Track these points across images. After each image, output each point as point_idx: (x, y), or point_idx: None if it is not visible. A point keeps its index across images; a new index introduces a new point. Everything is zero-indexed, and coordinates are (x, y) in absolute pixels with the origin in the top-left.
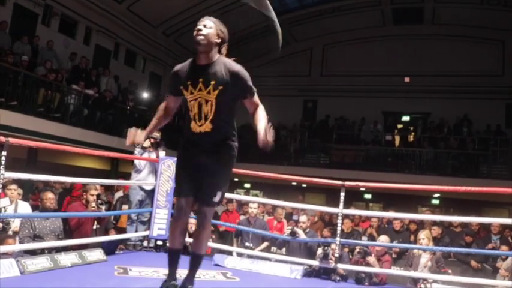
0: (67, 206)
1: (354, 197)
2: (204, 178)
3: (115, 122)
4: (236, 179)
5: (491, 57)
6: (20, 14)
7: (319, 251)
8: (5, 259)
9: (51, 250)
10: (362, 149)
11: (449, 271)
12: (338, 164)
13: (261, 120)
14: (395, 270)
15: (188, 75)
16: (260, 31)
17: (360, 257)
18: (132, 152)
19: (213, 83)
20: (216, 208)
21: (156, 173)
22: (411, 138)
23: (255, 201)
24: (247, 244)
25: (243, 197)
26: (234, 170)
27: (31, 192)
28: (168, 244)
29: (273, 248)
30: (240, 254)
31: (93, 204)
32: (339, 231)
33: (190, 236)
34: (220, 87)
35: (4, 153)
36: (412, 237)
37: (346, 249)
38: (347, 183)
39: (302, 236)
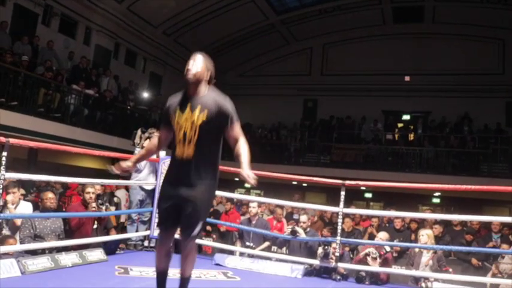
0: (65, 206)
1: (355, 196)
2: (184, 211)
3: (115, 122)
4: (236, 179)
5: (491, 56)
6: (20, 14)
7: (320, 250)
8: (5, 259)
9: (52, 250)
10: (362, 148)
11: (451, 270)
12: (338, 163)
13: (244, 154)
14: (397, 270)
15: (178, 103)
16: (259, 30)
17: (372, 258)
18: (132, 152)
19: (198, 110)
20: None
21: (156, 173)
22: (411, 137)
23: (255, 201)
24: (247, 244)
25: (242, 197)
26: (235, 169)
27: (32, 191)
28: (155, 265)
29: (274, 248)
30: (240, 254)
31: (94, 204)
32: (339, 230)
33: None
34: (205, 114)
35: (4, 153)
36: (413, 236)
37: (347, 248)
38: (347, 182)
39: (302, 235)
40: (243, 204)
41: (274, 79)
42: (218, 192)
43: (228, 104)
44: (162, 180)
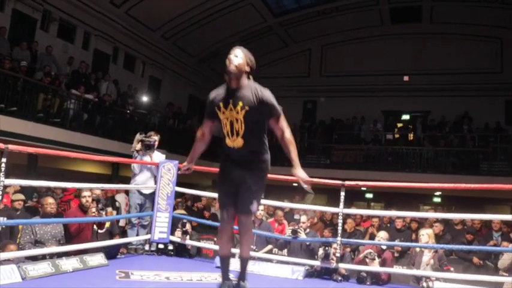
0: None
1: (355, 197)
2: (240, 190)
3: (115, 126)
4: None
5: (489, 54)
6: (19, 20)
7: (320, 251)
8: (6, 265)
9: (52, 255)
10: (362, 149)
11: (452, 269)
12: (338, 164)
13: (293, 152)
14: (398, 269)
15: (221, 98)
16: (258, 33)
17: (370, 259)
18: (131, 156)
19: (240, 104)
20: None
21: (156, 177)
22: (411, 136)
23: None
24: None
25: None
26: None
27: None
28: (218, 251)
29: (275, 250)
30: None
31: (93, 209)
32: (339, 231)
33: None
34: (247, 108)
35: (4, 159)
36: (414, 236)
37: (348, 249)
38: (347, 182)
39: (303, 236)
40: None
41: (273, 81)
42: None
43: (268, 96)
44: (160, 185)
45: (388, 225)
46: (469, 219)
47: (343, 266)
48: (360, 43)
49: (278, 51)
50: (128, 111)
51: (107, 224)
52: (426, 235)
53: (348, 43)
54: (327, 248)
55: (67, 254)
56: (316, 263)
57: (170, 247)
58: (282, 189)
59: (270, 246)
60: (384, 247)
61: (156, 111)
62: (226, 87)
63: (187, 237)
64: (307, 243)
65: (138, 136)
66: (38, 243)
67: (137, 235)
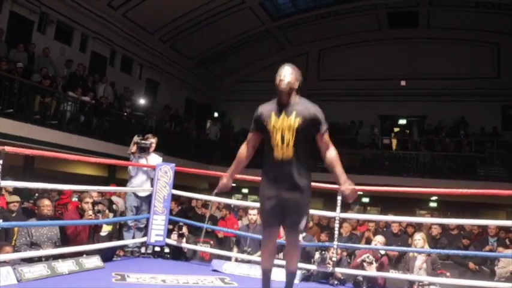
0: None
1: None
2: (290, 207)
3: (112, 129)
4: (234, 184)
5: (486, 60)
6: (16, 22)
7: (317, 255)
8: (2, 267)
9: (48, 257)
10: (359, 153)
11: (448, 274)
12: None
13: (338, 166)
14: (393, 274)
15: (272, 110)
16: (256, 36)
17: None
18: (128, 159)
19: (294, 115)
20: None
21: (152, 180)
22: (408, 141)
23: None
24: (245, 249)
25: (241, 203)
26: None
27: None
28: (260, 265)
29: None
30: (237, 260)
31: (90, 212)
32: (336, 235)
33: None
34: (300, 119)
35: (0, 161)
36: (410, 240)
37: (345, 253)
38: None
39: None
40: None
41: (270, 84)
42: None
43: (319, 111)
44: (156, 187)
45: (385, 229)
46: (467, 225)
47: (339, 270)
48: (358, 47)
49: (276, 54)
50: (125, 114)
51: (109, 228)
52: (422, 240)
53: (346, 47)
54: (323, 252)
55: (63, 257)
56: (313, 267)
57: (166, 250)
58: None
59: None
60: (382, 252)
61: (153, 114)
62: (276, 102)
63: (184, 240)
64: (304, 247)
65: (135, 138)
66: (33, 245)
67: (133, 238)
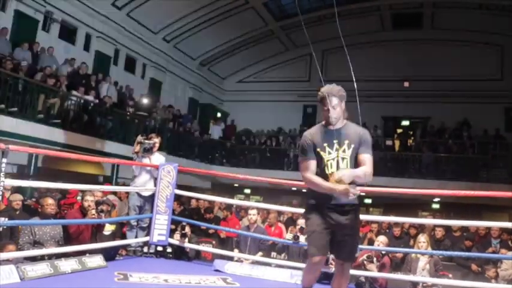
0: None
1: None
2: (343, 237)
3: (115, 128)
4: (236, 185)
5: (490, 62)
6: (21, 21)
7: None
8: (5, 265)
9: (51, 256)
10: None
11: (450, 275)
12: None
13: (359, 169)
14: (396, 275)
15: (323, 139)
16: (259, 37)
17: (368, 261)
18: (131, 158)
19: (347, 142)
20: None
21: (155, 179)
22: (411, 142)
23: (255, 207)
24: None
25: (241, 202)
26: (234, 175)
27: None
28: (302, 283)
29: (273, 254)
30: (239, 260)
31: (93, 211)
32: None
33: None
34: (352, 146)
35: (4, 160)
36: (412, 242)
37: None
38: None
39: (303, 240)
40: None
41: (273, 85)
42: (218, 199)
43: (367, 136)
44: (159, 187)
45: (387, 231)
46: (472, 226)
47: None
48: (361, 48)
49: (279, 55)
50: (128, 113)
51: (112, 227)
52: (427, 242)
53: (349, 48)
54: None
55: (66, 255)
56: None
57: (169, 249)
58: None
59: (260, 253)
60: (384, 252)
61: (157, 114)
62: (325, 128)
63: (186, 240)
64: (306, 248)
65: (138, 138)
66: (36, 243)
67: (136, 237)
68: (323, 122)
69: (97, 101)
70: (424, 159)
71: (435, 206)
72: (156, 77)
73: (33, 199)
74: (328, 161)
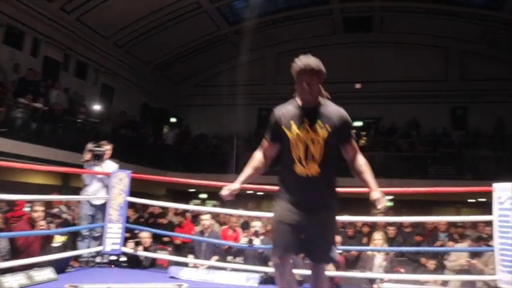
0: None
1: None
2: (316, 233)
3: (65, 136)
4: (191, 190)
5: (436, 63)
6: None
7: None
8: None
9: None
10: None
11: (402, 270)
12: None
13: (368, 172)
14: (352, 273)
15: (292, 116)
16: (213, 41)
17: None
18: (82, 166)
19: (320, 123)
20: (173, 220)
21: (107, 187)
22: (363, 142)
23: (207, 212)
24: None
25: (195, 208)
26: (187, 180)
27: None
28: None
29: (229, 257)
30: (194, 266)
31: (42, 222)
32: None
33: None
34: (328, 128)
35: None
36: (366, 240)
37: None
38: None
39: (258, 243)
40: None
41: (228, 89)
42: (173, 204)
43: (348, 116)
44: (111, 195)
45: (341, 230)
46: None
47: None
48: (314, 51)
49: (233, 59)
50: (79, 120)
51: (63, 238)
52: (382, 240)
53: (302, 51)
54: None
55: (13, 270)
56: (271, 269)
57: (123, 258)
58: (239, 198)
59: (216, 257)
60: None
61: (109, 120)
62: (297, 104)
63: (141, 247)
64: (261, 251)
65: (89, 146)
66: None
67: (88, 247)
68: (297, 98)
69: (46, 108)
70: (376, 158)
71: (388, 203)
72: (109, 82)
73: None
74: (293, 142)
